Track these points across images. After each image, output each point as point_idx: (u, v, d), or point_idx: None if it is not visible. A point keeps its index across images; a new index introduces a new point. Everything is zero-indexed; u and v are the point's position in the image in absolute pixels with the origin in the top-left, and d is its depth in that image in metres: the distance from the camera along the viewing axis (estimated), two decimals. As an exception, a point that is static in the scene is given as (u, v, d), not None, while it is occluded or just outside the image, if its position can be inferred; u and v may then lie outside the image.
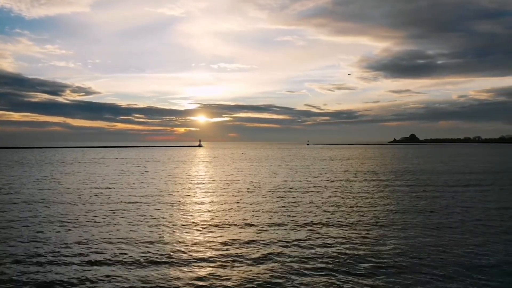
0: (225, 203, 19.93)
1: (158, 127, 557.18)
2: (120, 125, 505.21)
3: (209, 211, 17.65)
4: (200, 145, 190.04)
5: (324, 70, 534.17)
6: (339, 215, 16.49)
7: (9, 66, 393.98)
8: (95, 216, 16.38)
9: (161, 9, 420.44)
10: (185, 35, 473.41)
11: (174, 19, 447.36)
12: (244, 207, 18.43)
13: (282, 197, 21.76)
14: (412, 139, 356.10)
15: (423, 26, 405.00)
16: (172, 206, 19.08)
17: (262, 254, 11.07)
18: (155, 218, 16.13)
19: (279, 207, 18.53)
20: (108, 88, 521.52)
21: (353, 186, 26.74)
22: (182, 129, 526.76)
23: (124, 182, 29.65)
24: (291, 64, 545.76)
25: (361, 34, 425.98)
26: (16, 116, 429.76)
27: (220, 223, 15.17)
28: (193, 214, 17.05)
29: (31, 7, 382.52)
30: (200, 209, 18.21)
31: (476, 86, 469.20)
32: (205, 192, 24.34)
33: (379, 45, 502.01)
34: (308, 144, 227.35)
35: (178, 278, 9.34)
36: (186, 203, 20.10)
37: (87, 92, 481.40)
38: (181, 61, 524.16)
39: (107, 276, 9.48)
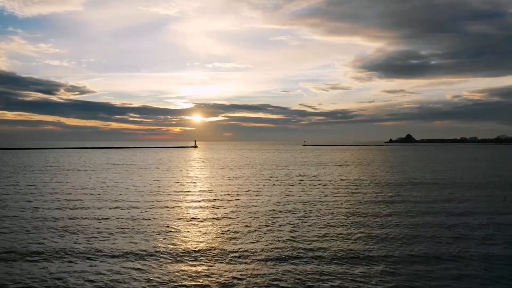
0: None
1: (153, 127, 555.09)
2: (115, 125, 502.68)
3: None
4: (195, 146, 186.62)
5: (318, 70, 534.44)
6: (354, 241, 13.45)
7: (3, 64, 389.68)
8: None
9: (155, 9, 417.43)
10: (179, 34, 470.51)
11: (168, 19, 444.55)
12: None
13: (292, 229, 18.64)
14: (408, 139, 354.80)
15: (416, 27, 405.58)
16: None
17: None
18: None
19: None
20: (102, 87, 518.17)
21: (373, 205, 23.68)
22: (177, 129, 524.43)
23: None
24: (286, 64, 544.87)
25: (355, 34, 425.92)
26: (10, 115, 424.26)
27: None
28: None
29: (24, 5, 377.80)
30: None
31: (470, 86, 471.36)
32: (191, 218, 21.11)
33: (373, 45, 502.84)
34: (305, 145, 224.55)
35: None
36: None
37: (82, 91, 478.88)
38: (176, 61, 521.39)
39: None
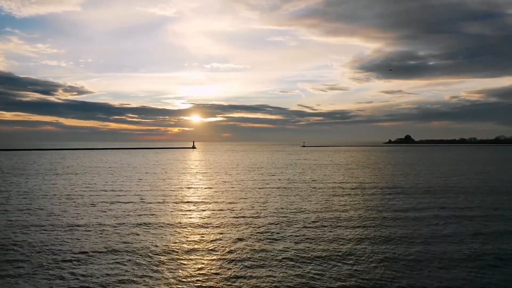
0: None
1: (151, 127, 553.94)
2: (113, 125, 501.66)
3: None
4: (193, 147, 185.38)
5: (316, 71, 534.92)
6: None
7: (0, 65, 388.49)
8: None
9: (152, 9, 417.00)
10: (177, 35, 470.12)
11: (166, 19, 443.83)
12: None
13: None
14: (407, 140, 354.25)
15: (414, 27, 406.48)
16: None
17: None
18: None
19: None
20: (100, 87, 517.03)
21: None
22: (175, 129, 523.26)
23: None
24: (284, 64, 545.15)
25: (353, 35, 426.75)
26: (7, 115, 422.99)
27: None
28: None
29: (21, 6, 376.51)
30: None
31: (467, 87, 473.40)
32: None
33: (370, 45, 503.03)
34: (304, 146, 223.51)
35: None
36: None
37: (80, 91, 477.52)
38: (174, 61, 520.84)
39: None
